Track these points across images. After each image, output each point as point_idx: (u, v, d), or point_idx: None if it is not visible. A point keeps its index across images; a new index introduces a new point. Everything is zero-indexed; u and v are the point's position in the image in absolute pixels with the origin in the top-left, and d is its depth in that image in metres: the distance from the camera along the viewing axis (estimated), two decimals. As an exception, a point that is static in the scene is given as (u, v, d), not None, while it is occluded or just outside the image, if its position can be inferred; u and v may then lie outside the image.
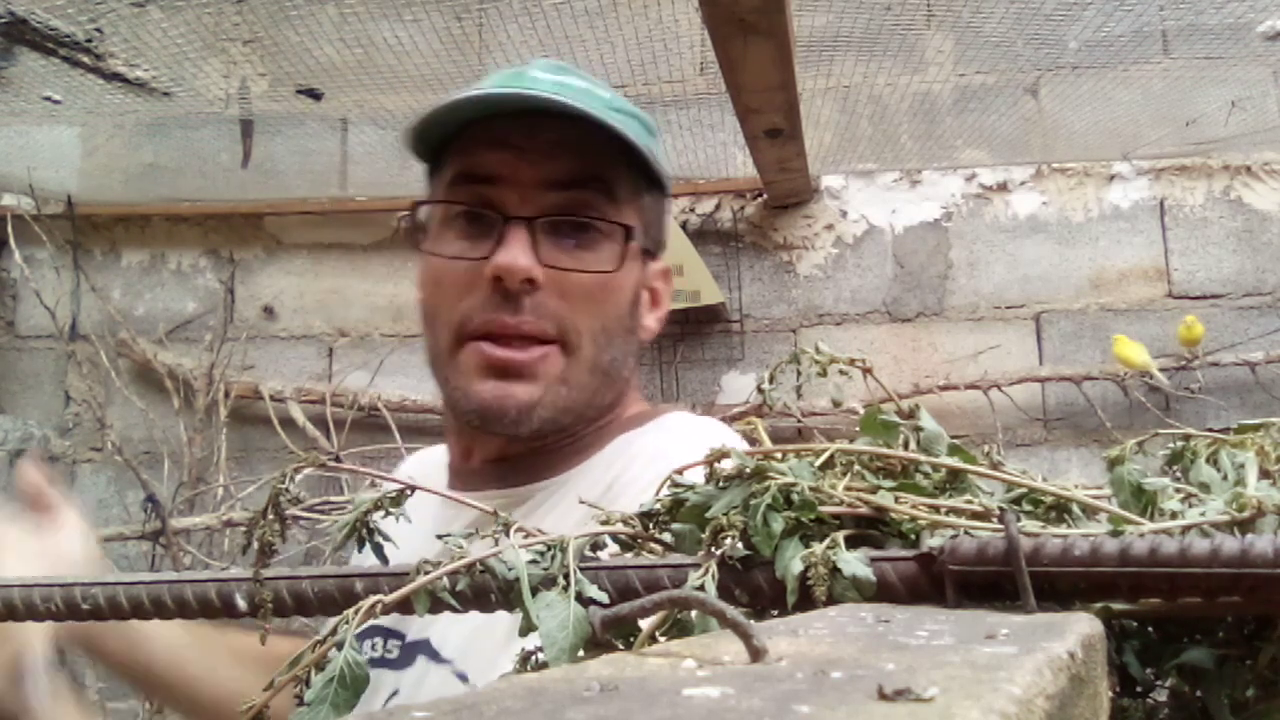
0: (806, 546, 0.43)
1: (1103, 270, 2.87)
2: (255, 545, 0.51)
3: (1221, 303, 2.82)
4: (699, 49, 2.46)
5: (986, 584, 0.41)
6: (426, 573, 0.46)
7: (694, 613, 0.43)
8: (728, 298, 2.91)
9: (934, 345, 2.89)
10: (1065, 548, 0.40)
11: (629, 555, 0.49)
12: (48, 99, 2.49)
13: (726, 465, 0.49)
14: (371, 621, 0.46)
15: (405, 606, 0.46)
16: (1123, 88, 2.59)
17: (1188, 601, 0.40)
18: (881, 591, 0.42)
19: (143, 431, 3.03)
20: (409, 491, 0.52)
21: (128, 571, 2.27)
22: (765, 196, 2.93)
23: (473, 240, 0.85)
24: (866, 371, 0.55)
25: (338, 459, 2.60)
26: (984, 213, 2.93)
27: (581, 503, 0.58)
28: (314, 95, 2.53)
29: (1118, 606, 0.42)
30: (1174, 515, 0.44)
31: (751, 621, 0.31)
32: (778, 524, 0.44)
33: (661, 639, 0.43)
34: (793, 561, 0.43)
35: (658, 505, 0.50)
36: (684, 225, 2.93)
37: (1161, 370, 2.65)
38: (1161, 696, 0.43)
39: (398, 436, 2.84)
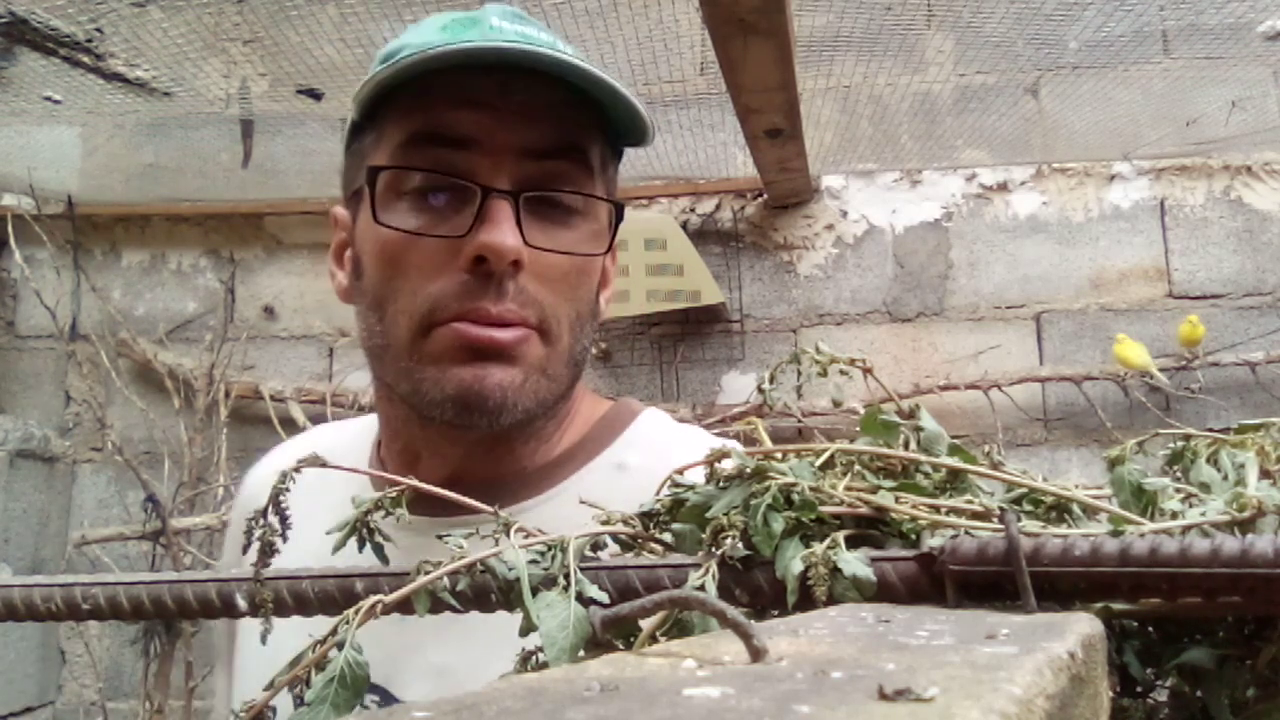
0: (807, 546, 0.43)
1: (1103, 270, 2.87)
2: (255, 545, 0.51)
3: (1221, 303, 2.82)
4: (699, 49, 2.46)
5: (987, 584, 0.41)
6: (427, 573, 0.46)
7: (694, 613, 0.43)
8: (728, 298, 2.91)
9: (934, 345, 2.89)
10: (1065, 548, 0.40)
11: (629, 555, 0.49)
12: (48, 99, 2.49)
13: (726, 465, 0.49)
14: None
15: (405, 607, 0.46)
16: (1123, 88, 2.59)
17: (1188, 601, 0.40)
18: (882, 591, 0.42)
19: (143, 431, 3.03)
20: (406, 491, 0.52)
21: (128, 571, 2.27)
22: (765, 196, 2.93)
23: (439, 214, 0.74)
24: (867, 371, 0.55)
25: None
26: (984, 213, 2.93)
27: (582, 503, 0.57)
28: (314, 95, 2.53)
29: (1118, 606, 0.42)
30: (1174, 515, 0.44)
31: (752, 621, 0.31)
32: (778, 524, 0.44)
33: (662, 639, 0.43)
34: (793, 561, 0.43)
35: (658, 505, 0.50)
36: (684, 225, 2.93)
37: (1161, 370, 2.65)
38: (1161, 696, 0.43)
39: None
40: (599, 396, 0.92)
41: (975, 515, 0.44)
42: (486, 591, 0.46)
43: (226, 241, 3.17)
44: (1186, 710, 0.43)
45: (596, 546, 0.48)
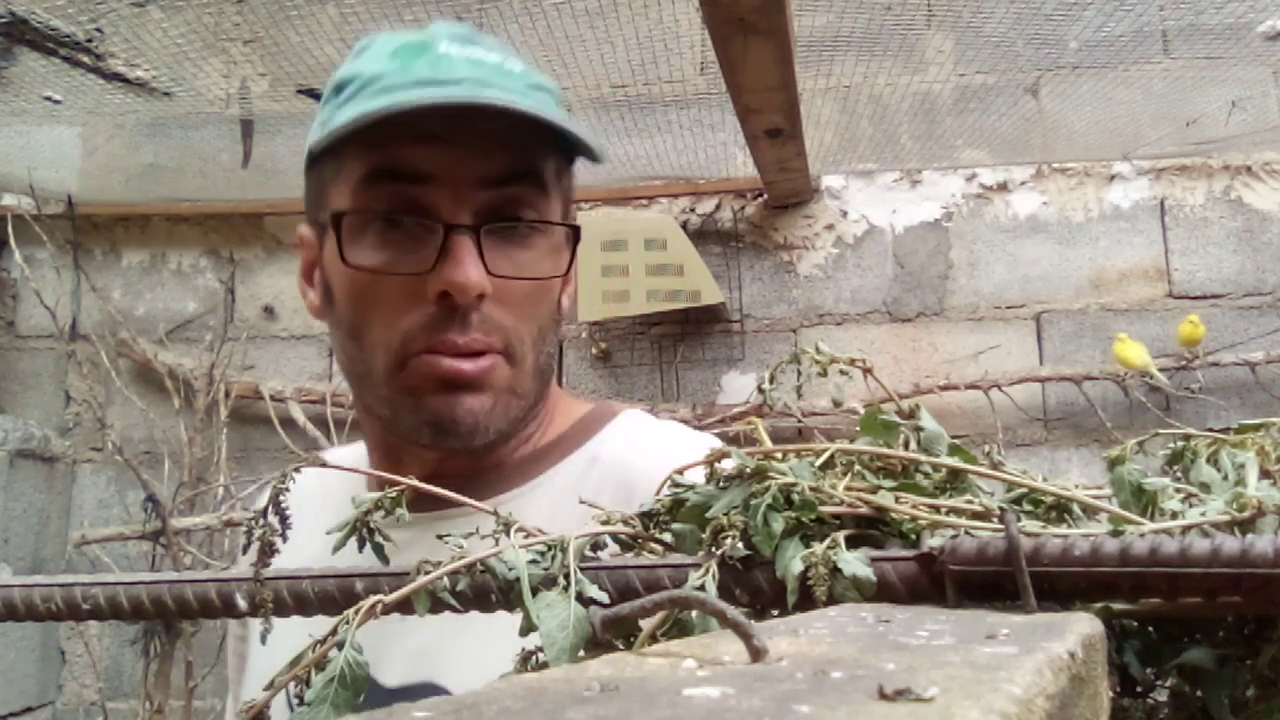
0: (807, 546, 0.43)
1: (1103, 270, 2.87)
2: (255, 545, 0.51)
3: (1221, 303, 2.82)
4: (699, 49, 2.46)
5: (987, 584, 0.41)
6: (427, 573, 0.46)
7: (694, 613, 0.43)
8: (728, 298, 2.91)
9: (934, 345, 2.89)
10: (1065, 548, 0.40)
11: (629, 555, 0.49)
12: (48, 99, 2.49)
13: (726, 465, 0.49)
14: None
15: (405, 607, 0.46)
16: (1123, 88, 2.59)
17: (1188, 601, 0.40)
18: (882, 591, 0.42)
19: (143, 431, 3.03)
20: (407, 491, 0.52)
21: (128, 571, 2.27)
22: (765, 196, 2.93)
23: (402, 249, 0.76)
24: (867, 371, 0.55)
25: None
26: (984, 213, 2.93)
27: (582, 502, 0.58)
28: (314, 95, 2.53)
29: (1118, 606, 0.42)
30: (1174, 515, 0.44)
31: (752, 621, 0.31)
32: (778, 524, 0.44)
33: (662, 639, 0.43)
34: (793, 561, 0.43)
35: (658, 505, 0.50)
36: (684, 225, 2.93)
37: (1161, 370, 2.65)
38: (1161, 696, 0.43)
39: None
40: (582, 398, 0.94)
41: (975, 515, 0.44)
42: (486, 591, 0.46)
43: (226, 241, 3.17)
44: (1186, 710, 0.43)
45: (596, 546, 0.48)
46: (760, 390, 0.56)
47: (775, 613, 0.44)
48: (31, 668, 2.90)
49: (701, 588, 0.43)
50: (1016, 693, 0.24)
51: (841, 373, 0.55)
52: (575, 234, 0.82)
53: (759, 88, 1.94)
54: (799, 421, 2.71)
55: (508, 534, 0.48)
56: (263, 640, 0.51)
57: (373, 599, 0.46)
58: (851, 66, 2.39)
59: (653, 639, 0.43)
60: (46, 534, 2.96)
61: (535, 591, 0.45)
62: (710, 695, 0.24)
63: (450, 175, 0.76)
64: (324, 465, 0.54)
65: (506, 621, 0.48)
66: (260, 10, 2.19)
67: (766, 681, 0.26)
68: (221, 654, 2.36)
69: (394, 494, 0.51)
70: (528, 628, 0.44)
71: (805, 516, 0.45)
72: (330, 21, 2.23)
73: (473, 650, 0.48)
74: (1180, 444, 0.50)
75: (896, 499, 0.46)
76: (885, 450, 0.49)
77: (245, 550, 0.54)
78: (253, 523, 0.50)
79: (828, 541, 0.43)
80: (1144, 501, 0.46)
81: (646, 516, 0.50)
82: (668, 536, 0.49)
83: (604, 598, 0.44)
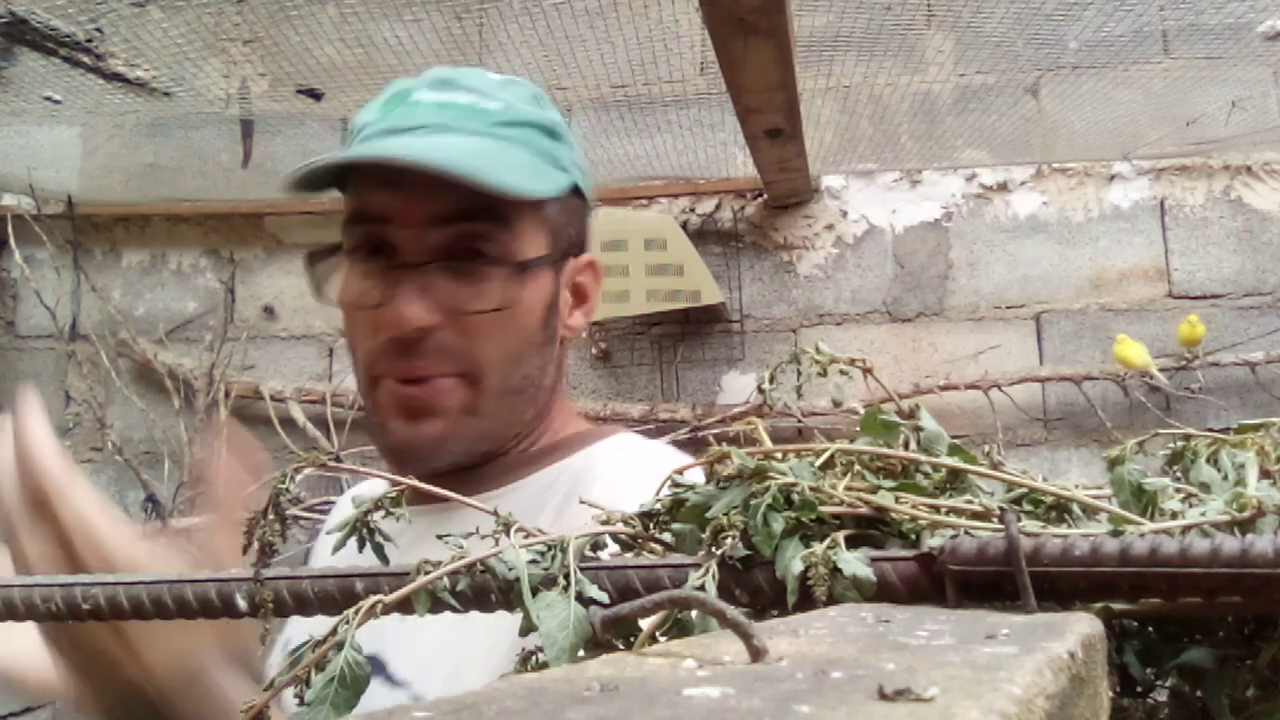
0: (807, 546, 0.43)
1: (1103, 270, 2.87)
2: (255, 545, 0.51)
3: (1221, 303, 2.82)
4: (699, 49, 2.46)
5: (987, 584, 0.41)
6: (427, 573, 0.46)
7: (694, 613, 0.43)
8: (728, 298, 2.91)
9: (934, 345, 2.89)
10: (1065, 548, 0.40)
11: (629, 555, 0.49)
12: (48, 99, 2.49)
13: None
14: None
15: (405, 607, 0.46)
16: (1123, 88, 2.59)
17: (1188, 601, 0.40)
18: (882, 591, 0.42)
19: (143, 431, 3.03)
20: (405, 492, 0.52)
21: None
22: (765, 196, 2.93)
23: (364, 284, 0.85)
24: (866, 371, 0.55)
25: (338, 459, 2.60)
26: (984, 213, 2.93)
27: (582, 502, 0.58)
28: (314, 95, 2.53)
29: (1118, 606, 0.42)
30: (1174, 515, 0.44)
31: (751, 621, 0.31)
32: (778, 524, 0.44)
33: (661, 639, 0.43)
34: (793, 561, 0.43)
35: (658, 505, 0.50)
36: (684, 225, 2.93)
37: (1161, 370, 2.65)
38: (1161, 696, 0.43)
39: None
40: (587, 419, 1.02)
41: (975, 515, 0.44)
42: (486, 591, 0.46)
43: (226, 241, 3.17)
44: (1186, 710, 0.43)
45: (596, 546, 0.48)
46: (760, 390, 0.56)
47: (775, 613, 0.44)
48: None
49: (701, 588, 0.43)
50: (1016, 693, 0.24)
51: (841, 373, 0.55)
52: (531, 267, 0.86)
53: (759, 88, 1.94)
54: (799, 421, 2.70)
55: (508, 534, 0.48)
56: (262, 640, 0.52)
57: (373, 599, 0.46)
58: (851, 66, 2.39)
59: (653, 639, 0.43)
60: (46, 534, 2.95)
61: (535, 591, 0.45)
62: (710, 695, 0.24)
63: (407, 215, 0.83)
64: (323, 466, 0.54)
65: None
66: (260, 10, 2.19)
67: (766, 681, 0.26)
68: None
69: (394, 494, 0.51)
70: (528, 628, 0.44)
71: (805, 516, 0.44)
72: (330, 21, 2.23)
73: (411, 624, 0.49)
74: (1180, 444, 0.50)
75: (896, 499, 0.46)
76: (885, 450, 0.49)
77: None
78: (250, 523, 0.50)
79: (828, 541, 0.43)
80: (1144, 501, 0.46)
81: (646, 516, 0.50)
82: (668, 536, 0.49)
83: (604, 598, 0.44)
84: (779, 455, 0.48)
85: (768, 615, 0.44)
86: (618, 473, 0.84)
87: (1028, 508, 0.46)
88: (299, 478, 0.52)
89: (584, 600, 0.44)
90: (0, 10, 2.04)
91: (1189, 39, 2.47)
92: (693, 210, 2.99)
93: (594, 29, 2.19)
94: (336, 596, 0.49)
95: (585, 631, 0.42)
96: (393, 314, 0.82)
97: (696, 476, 0.50)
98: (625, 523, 0.50)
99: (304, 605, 0.50)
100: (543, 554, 0.47)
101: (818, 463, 0.48)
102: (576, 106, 2.66)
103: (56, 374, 3.12)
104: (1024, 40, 2.40)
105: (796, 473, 0.46)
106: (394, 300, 0.82)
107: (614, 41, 2.24)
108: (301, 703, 0.44)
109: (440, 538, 0.49)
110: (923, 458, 0.48)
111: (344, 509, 1.04)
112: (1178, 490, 0.47)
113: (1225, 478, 0.47)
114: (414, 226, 0.83)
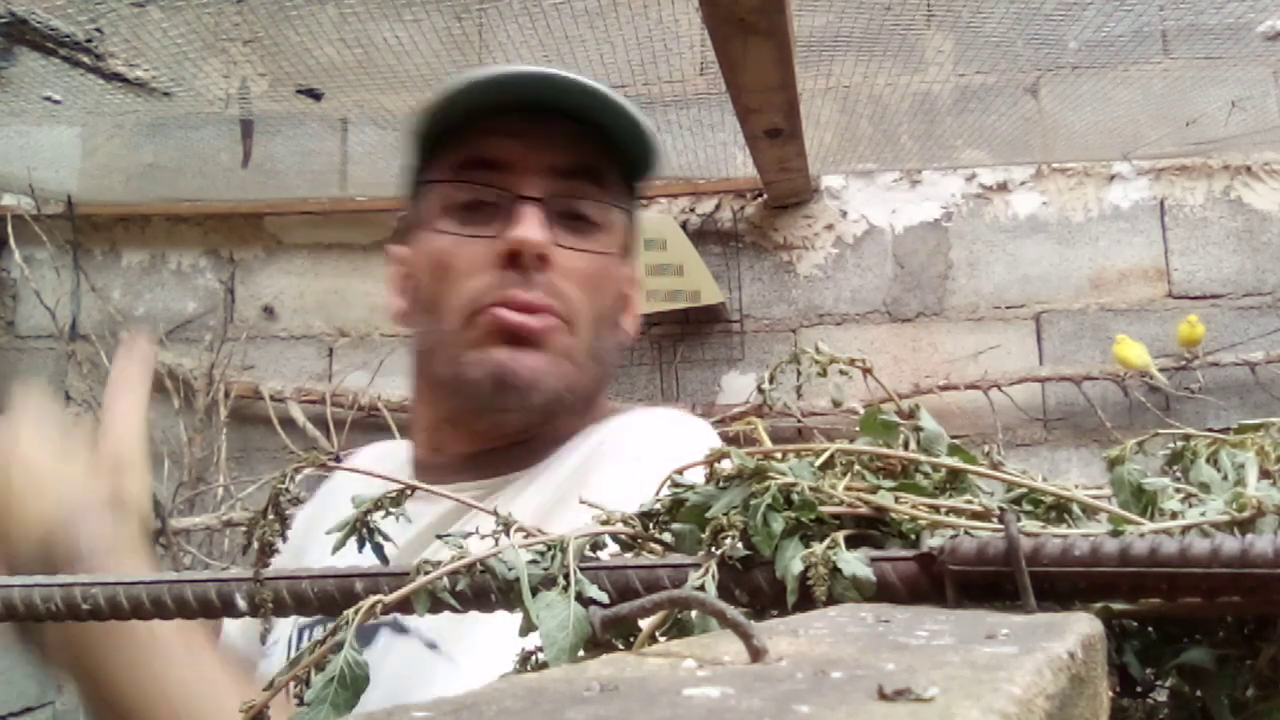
0: (806, 546, 0.43)
1: (1103, 270, 2.87)
2: (255, 545, 0.51)
3: (1221, 303, 2.82)
4: (699, 49, 2.46)
5: (986, 584, 0.41)
6: (426, 573, 0.46)
7: (694, 613, 0.43)
8: (728, 298, 2.91)
9: (934, 345, 2.89)
10: (1065, 548, 0.40)
11: (629, 555, 0.49)
12: (48, 99, 2.49)
13: (726, 465, 0.49)
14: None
15: (405, 606, 0.46)
16: (1123, 88, 2.59)
17: (1188, 601, 0.40)
18: (881, 591, 0.42)
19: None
20: (409, 492, 0.52)
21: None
22: (765, 196, 2.93)
23: (478, 221, 0.87)
24: (866, 371, 0.55)
25: (338, 459, 2.60)
26: (984, 213, 2.93)
27: (582, 502, 0.58)
28: (314, 95, 2.53)
29: (1118, 606, 0.42)
30: (1174, 515, 0.44)
31: (751, 621, 0.31)
32: (778, 524, 0.44)
33: (661, 639, 0.43)
34: (793, 561, 0.43)
35: (658, 505, 0.50)
36: (684, 225, 2.93)
37: (1161, 370, 2.65)
38: (1161, 696, 0.43)
39: (398, 436, 2.84)
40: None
41: (975, 515, 0.44)
42: (486, 591, 0.46)
43: (226, 241, 3.17)
44: (1186, 710, 0.43)
45: (596, 546, 0.48)
46: (760, 390, 0.56)
47: (775, 613, 0.44)
48: (31, 668, 2.90)
49: (701, 588, 0.43)
50: (1016, 693, 0.24)
51: (841, 373, 0.55)
52: (633, 225, 0.94)
53: (759, 88, 1.94)
54: (799, 421, 2.70)
55: (507, 534, 0.48)
56: (262, 640, 0.52)
57: (372, 599, 0.46)
58: (851, 66, 2.39)
59: (652, 639, 0.43)
60: (46, 534, 2.95)
61: (535, 591, 0.45)
62: (710, 695, 0.24)
63: (524, 163, 0.87)
64: (323, 466, 0.54)
65: None
66: (260, 10, 2.19)
67: (766, 681, 0.26)
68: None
69: (394, 494, 0.51)
70: (527, 628, 0.44)
71: (805, 516, 0.44)
72: (330, 21, 2.23)
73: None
74: (1180, 444, 0.50)
75: (896, 499, 0.46)
76: (885, 450, 0.49)
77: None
78: (252, 523, 0.50)
79: (827, 541, 0.43)
80: (1144, 501, 0.46)
81: (646, 516, 0.50)
82: (668, 536, 0.49)
83: (604, 598, 0.44)
84: (779, 455, 0.48)
85: (767, 615, 0.44)
86: (632, 431, 0.88)
87: (1027, 508, 0.46)
88: (299, 478, 0.52)
89: (584, 600, 0.44)
90: (0, 10, 2.04)
91: (1189, 39, 2.47)
92: (692, 210, 2.99)
93: (594, 29, 2.19)
94: (336, 596, 0.49)
95: (585, 631, 0.42)
96: (520, 235, 0.83)
97: (696, 476, 0.50)
98: (625, 522, 0.50)
99: (304, 605, 0.50)
100: (542, 554, 0.47)
101: (818, 463, 0.48)
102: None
103: (56, 374, 3.12)
104: (1024, 40, 2.40)
105: (796, 473, 0.46)
106: (520, 224, 0.84)
107: (614, 41, 2.24)
108: (301, 703, 0.44)
109: (440, 537, 0.50)
110: (923, 458, 0.48)
111: (328, 499, 1.04)
112: (1178, 490, 0.47)
113: (1225, 478, 0.47)
114: (532, 173, 0.87)
